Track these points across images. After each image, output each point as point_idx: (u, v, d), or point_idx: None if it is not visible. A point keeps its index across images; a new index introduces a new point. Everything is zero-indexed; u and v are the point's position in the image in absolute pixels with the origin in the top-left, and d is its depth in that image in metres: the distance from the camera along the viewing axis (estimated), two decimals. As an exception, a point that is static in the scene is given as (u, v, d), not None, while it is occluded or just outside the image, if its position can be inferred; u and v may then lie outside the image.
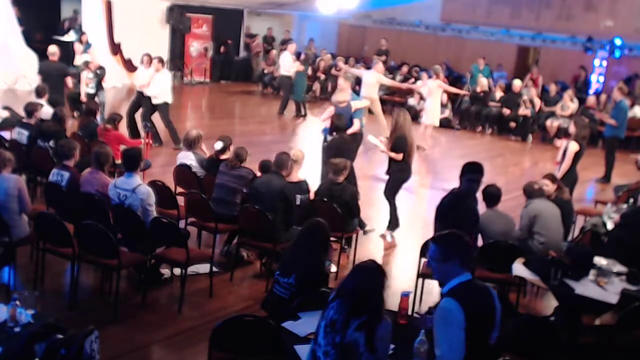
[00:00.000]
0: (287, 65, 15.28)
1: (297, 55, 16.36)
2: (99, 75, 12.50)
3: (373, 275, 3.56)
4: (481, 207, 6.33)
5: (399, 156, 7.50)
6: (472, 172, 5.11)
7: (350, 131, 8.38)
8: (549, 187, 6.68)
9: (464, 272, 3.40)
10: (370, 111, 12.31)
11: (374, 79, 12.65)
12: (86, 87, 12.24)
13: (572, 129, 8.52)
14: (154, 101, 10.89)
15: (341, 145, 7.88)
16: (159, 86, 10.83)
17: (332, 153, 7.60)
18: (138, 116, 11.10)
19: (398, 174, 7.67)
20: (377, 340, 3.36)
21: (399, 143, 7.48)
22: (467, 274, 3.42)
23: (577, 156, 8.23)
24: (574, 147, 8.15)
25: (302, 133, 14.19)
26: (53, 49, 11.32)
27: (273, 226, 6.15)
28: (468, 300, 3.30)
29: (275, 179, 6.48)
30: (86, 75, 12.33)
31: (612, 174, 11.45)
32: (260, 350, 3.97)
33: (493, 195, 6.16)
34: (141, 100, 11.06)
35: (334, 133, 8.09)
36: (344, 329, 3.39)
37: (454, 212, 5.00)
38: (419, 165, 12.38)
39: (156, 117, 11.06)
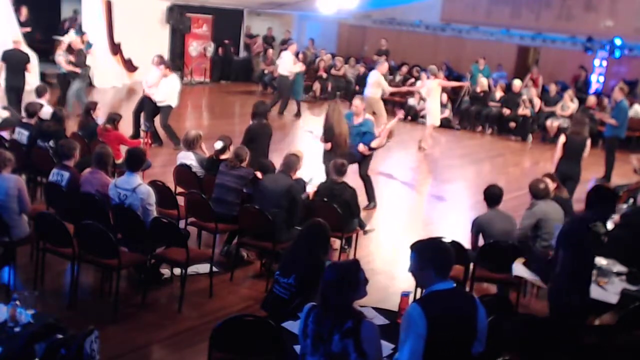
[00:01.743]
0: (287, 65, 15.29)
1: (297, 55, 16.36)
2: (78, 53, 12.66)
3: (338, 272, 3.49)
4: (482, 208, 6.33)
5: (327, 146, 7.92)
6: (606, 199, 4.64)
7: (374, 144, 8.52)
8: (549, 185, 6.69)
9: (443, 280, 3.32)
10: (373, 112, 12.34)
11: (374, 78, 12.67)
12: (61, 68, 12.60)
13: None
14: (159, 104, 10.93)
15: (257, 130, 8.18)
16: (166, 91, 10.88)
17: (247, 137, 8.02)
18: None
19: (328, 164, 7.79)
20: (364, 343, 3.31)
21: (326, 133, 7.90)
22: (447, 282, 3.34)
23: (573, 149, 8.49)
24: (561, 139, 8.59)
25: (302, 133, 14.16)
26: (15, 38, 12.06)
27: (274, 225, 6.15)
28: (437, 308, 3.23)
29: (283, 178, 6.52)
30: (59, 58, 12.63)
31: (612, 174, 11.45)
32: (260, 350, 3.97)
33: (494, 195, 6.14)
34: (144, 101, 11.08)
35: (254, 119, 8.42)
36: (330, 337, 3.36)
37: (584, 240, 4.54)
38: (419, 165, 12.41)
39: (157, 118, 11.07)
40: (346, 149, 8.06)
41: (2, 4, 14.83)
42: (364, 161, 8.61)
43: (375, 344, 3.38)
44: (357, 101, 8.67)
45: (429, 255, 3.36)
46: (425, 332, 3.18)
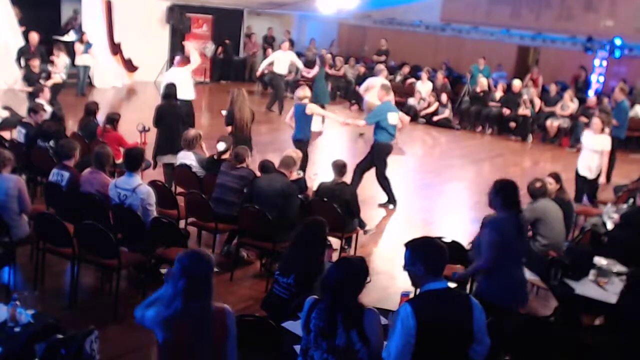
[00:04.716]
0: (283, 64, 15.34)
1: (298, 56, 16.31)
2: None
3: (352, 270, 3.52)
4: (482, 208, 6.32)
5: (228, 129, 8.26)
6: None
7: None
8: (552, 186, 6.67)
9: (436, 279, 3.32)
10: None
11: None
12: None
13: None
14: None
15: (166, 110, 8.75)
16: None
17: (155, 117, 8.62)
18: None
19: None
20: (368, 331, 3.33)
21: (227, 117, 8.35)
22: (441, 282, 3.33)
23: None
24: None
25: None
26: None
27: (273, 226, 6.14)
28: (428, 308, 3.22)
29: (279, 178, 6.51)
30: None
31: (612, 174, 11.45)
32: (260, 350, 3.97)
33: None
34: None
35: (164, 100, 9.00)
36: (335, 331, 3.36)
37: None
38: (419, 165, 12.41)
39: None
40: (247, 134, 8.40)
41: (2, 3, 14.84)
42: (377, 163, 8.83)
43: (377, 331, 3.41)
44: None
45: (421, 253, 3.39)
46: (415, 332, 3.17)
